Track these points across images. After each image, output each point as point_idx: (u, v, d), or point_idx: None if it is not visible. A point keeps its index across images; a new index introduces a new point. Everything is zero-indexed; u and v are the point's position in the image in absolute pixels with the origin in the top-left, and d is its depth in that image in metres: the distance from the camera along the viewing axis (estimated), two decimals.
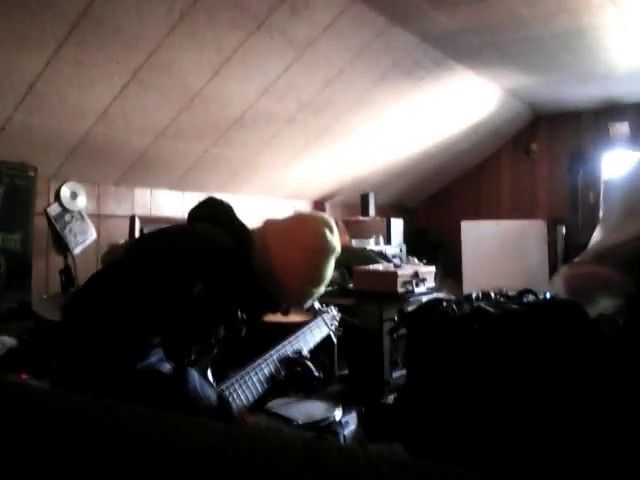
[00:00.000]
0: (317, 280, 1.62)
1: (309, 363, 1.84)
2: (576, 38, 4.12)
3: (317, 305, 2.21)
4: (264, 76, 3.75)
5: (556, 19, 3.77)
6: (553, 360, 1.22)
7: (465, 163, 6.95)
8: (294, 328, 2.05)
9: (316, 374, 1.82)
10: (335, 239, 1.64)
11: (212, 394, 1.48)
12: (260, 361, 1.78)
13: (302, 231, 1.61)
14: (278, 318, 1.88)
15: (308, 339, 2.01)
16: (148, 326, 1.40)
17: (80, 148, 3.49)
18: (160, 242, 1.55)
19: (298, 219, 1.69)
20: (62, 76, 2.96)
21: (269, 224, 1.69)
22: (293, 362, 1.85)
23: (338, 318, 2.32)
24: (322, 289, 1.67)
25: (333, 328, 2.22)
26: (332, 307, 2.32)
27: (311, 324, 2.09)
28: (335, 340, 2.24)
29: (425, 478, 0.41)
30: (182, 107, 3.62)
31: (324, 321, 2.16)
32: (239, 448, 0.43)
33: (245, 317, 1.71)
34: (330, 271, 1.65)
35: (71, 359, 1.39)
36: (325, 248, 1.60)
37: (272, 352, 1.83)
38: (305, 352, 1.92)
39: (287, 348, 1.89)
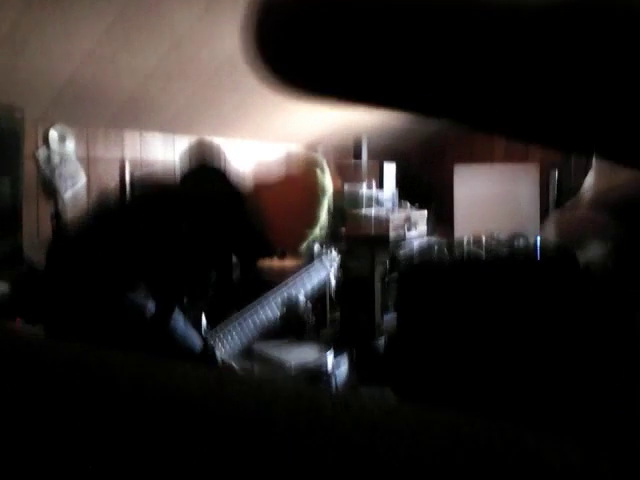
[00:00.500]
0: (310, 221, 1.62)
1: (303, 307, 1.85)
2: None
3: (316, 247, 2.19)
4: None
5: None
6: (543, 304, 1.24)
7: None
8: (293, 271, 2.05)
9: (309, 318, 1.84)
10: (326, 179, 1.63)
11: (197, 339, 1.49)
12: (256, 305, 1.79)
13: (292, 175, 1.60)
14: (275, 262, 1.88)
15: (306, 283, 2.00)
16: (134, 264, 1.40)
17: (67, 90, 3.42)
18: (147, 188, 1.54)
19: (289, 160, 1.67)
20: (45, 15, 2.87)
21: (261, 167, 1.67)
22: (288, 307, 1.86)
23: (337, 260, 2.30)
24: (316, 231, 1.66)
25: (332, 270, 2.21)
26: (331, 249, 2.30)
27: (309, 267, 2.08)
28: (333, 282, 2.23)
29: (419, 424, 0.41)
30: (170, 47, 3.53)
31: (322, 263, 2.14)
32: (232, 396, 0.44)
33: (239, 261, 1.71)
34: (323, 212, 1.64)
35: (60, 296, 1.40)
36: (316, 189, 1.60)
37: (268, 296, 1.83)
38: (301, 297, 1.92)
39: (284, 292, 1.89)
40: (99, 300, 1.36)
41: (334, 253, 2.28)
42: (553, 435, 0.38)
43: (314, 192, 1.60)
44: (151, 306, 1.41)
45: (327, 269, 2.13)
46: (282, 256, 1.74)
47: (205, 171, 1.59)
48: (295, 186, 1.58)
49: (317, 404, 0.41)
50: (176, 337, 1.42)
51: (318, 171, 1.60)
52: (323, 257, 2.16)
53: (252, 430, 0.39)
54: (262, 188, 1.60)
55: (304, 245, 1.71)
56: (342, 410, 0.40)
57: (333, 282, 2.21)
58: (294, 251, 1.80)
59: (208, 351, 1.55)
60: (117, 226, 1.43)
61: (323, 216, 1.65)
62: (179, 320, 1.46)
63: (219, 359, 1.59)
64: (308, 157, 1.68)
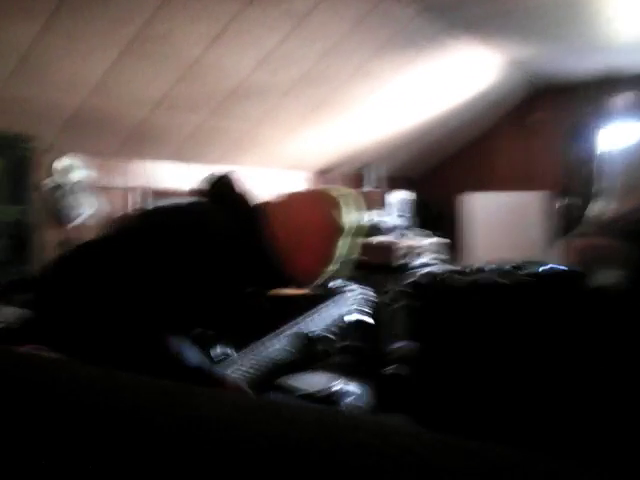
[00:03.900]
0: (327, 260, 1.56)
1: (317, 341, 1.79)
2: (578, 7, 4.06)
3: (339, 282, 2.08)
4: (261, 47, 3.70)
5: None
6: (558, 329, 1.22)
7: (466, 135, 6.90)
8: (313, 302, 1.94)
9: (330, 351, 1.78)
10: (346, 217, 1.57)
11: (196, 357, 1.43)
12: (272, 337, 1.71)
13: (309, 212, 1.55)
14: (294, 291, 1.82)
15: (325, 317, 1.91)
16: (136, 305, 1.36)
17: (76, 120, 3.46)
18: (162, 231, 1.48)
19: (306, 198, 1.62)
20: (55, 47, 2.92)
21: (280, 200, 1.62)
22: (306, 339, 1.79)
23: (363, 296, 2.16)
24: (336, 266, 1.62)
25: (355, 307, 2.09)
26: (355, 285, 2.16)
27: (330, 303, 1.97)
28: (368, 319, 2.09)
29: (437, 450, 0.40)
30: (178, 78, 3.58)
31: (344, 299, 2.03)
32: (249, 419, 0.43)
33: (252, 291, 1.67)
34: (342, 249, 1.59)
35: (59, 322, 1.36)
36: (333, 230, 1.54)
37: (284, 329, 1.76)
38: (317, 330, 1.84)
39: (300, 326, 1.81)
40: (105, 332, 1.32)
41: (358, 289, 2.17)
42: (578, 462, 0.37)
43: (330, 234, 1.55)
44: (192, 356, 1.36)
45: (348, 306, 2.03)
46: (300, 287, 1.70)
47: (222, 200, 1.56)
48: (311, 228, 1.53)
49: (336, 426, 0.40)
50: (175, 353, 1.37)
51: (335, 211, 1.55)
52: (347, 292, 2.06)
53: (271, 454, 0.39)
54: (279, 221, 1.55)
55: (321, 280, 1.65)
56: (362, 433, 0.39)
57: (355, 317, 2.09)
58: (310, 286, 1.75)
59: (206, 367, 1.49)
60: (130, 258, 1.40)
61: (343, 252, 1.61)
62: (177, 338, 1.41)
63: (217, 374, 1.52)
64: (325, 195, 1.61)
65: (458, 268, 1.55)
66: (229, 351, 1.60)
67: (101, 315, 1.32)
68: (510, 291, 1.34)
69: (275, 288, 1.69)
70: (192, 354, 1.42)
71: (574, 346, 1.21)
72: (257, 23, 3.43)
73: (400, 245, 3.49)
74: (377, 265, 3.45)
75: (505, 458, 0.37)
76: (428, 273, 1.63)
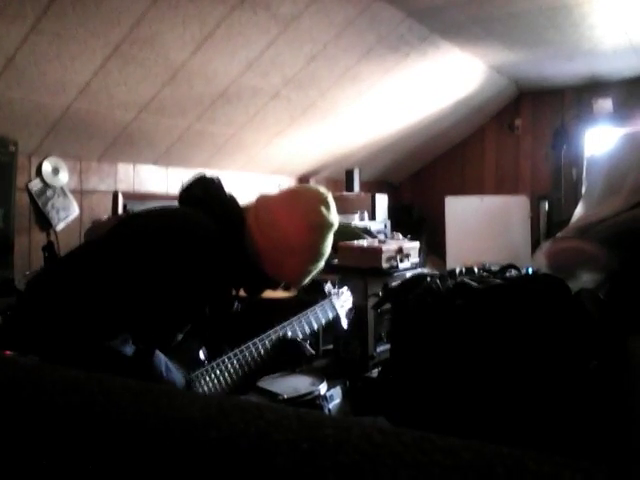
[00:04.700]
0: (314, 258, 1.56)
1: (304, 343, 1.78)
2: (561, 14, 4.11)
3: (328, 286, 2.06)
4: (248, 51, 3.71)
5: None
6: (535, 333, 1.25)
7: (449, 139, 6.95)
8: (299, 307, 1.92)
9: (309, 353, 1.77)
10: (331, 214, 1.57)
11: (179, 380, 1.42)
12: (255, 340, 1.69)
13: (295, 209, 1.54)
14: (280, 294, 1.80)
15: (312, 322, 1.88)
16: (119, 312, 1.35)
17: (61, 123, 3.44)
18: (142, 236, 1.47)
19: (291, 195, 1.61)
20: (42, 50, 2.91)
21: (262, 201, 1.61)
22: (287, 343, 1.77)
23: (351, 300, 2.13)
24: (321, 265, 1.62)
25: (344, 311, 2.06)
26: (345, 288, 2.14)
27: (317, 308, 1.94)
28: (345, 325, 2.07)
29: (417, 448, 0.42)
30: (165, 82, 3.58)
31: (332, 304, 2.00)
32: (233, 420, 0.44)
33: (236, 294, 1.67)
34: (328, 247, 1.58)
35: (35, 334, 1.35)
36: (320, 225, 1.54)
37: (269, 332, 1.74)
38: (301, 334, 1.82)
39: (287, 330, 1.79)
40: (76, 345, 1.31)
41: (347, 294, 2.13)
42: (550, 455, 0.39)
43: (318, 230, 1.54)
44: (129, 350, 1.34)
45: (336, 311, 2.00)
46: (287, 288, 1.68)
47: (204, 204, 1.55)
48: (297, 225, 1.51)
49: (318, 426, 0.41)
50: (155, 380, 1.35)
51: (322, 207, 1.54)
52: (334, 298, 2.03)
53: (254, 454, 0.40)
54: (264, 221, 1.55)
55: (308, 280, 1.65)
56: (343, 432, 0.40)
57: (344, 324, 2.06)
58: (297, 286, 1.74)
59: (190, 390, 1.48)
60: (102, 264, 1.38)
61: (327, 251, 1.60)
62: (160, 361, 1.38)
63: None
64: (310, 192, 1.59)
65: (437, 272, 1.57)
66: (207, 355, 1.59)
67: (79, 323, 1.32)
68: (484, 295, 1.36)
69: (262, 290, 1.69)
70: (176, 378, 1.41)
71: (544, 348, 1.23)
72: (244, 27, 3.44)
73: (383, 249, 3.50)
74: (360, 269, 3.46)
75: (479, 453, 0.39)
76: (405, 277, 1.64)
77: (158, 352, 1.39)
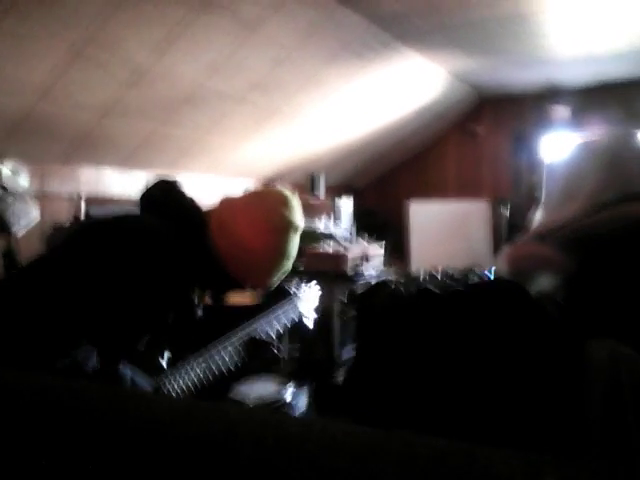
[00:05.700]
0: (278, 259, 1.57)
1: (272, 347, 1.78)
2: (518, 23, 4.21)
3: (294, 287, 2.05)
4: (213, 55, 3.70)
5: (500, 3, 3.85)
6: (496, 338, 1.28)
7: (412, 145, 7.04)
8: (263, 310, 1.92)
9: (279, 357, 1.76)
10: (294, 214, 1.57)
11: (147, 386, 1.41)
12: (220, 344, 1.69)
13: (256, 211, 1.55)
14: (245, 298, 1.79)
15: (275, 323, 1.87)
16: (77, 324, 1.34)
17: (21, 125, 3.39)
18: (98, 248, 1.46)
19: (253, 197, 1.62)
20: (0, 50, 2.86)
21: (225, 204, 1.62)
22: (255, 345, 1.77)
23: (319, 296, 2.12)
24: (288, 266, 1.62)
25: (310, 308, 2.05)
26: (313, 283, 2.12)
27: (280, 308, 1.94)
28: (311, 325, 2.06)
29: (375, 444, 0.44)
30: (128, 85, 3.55)
31: (295, 306, 1.99)
32: (201, 421, 0.46)
33: (200, 301, 1.67)
34: (292, 248, 1.59)
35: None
36: (281, 226, 1.55)
37: (232, 335, 1.74)
38: (265, 336, 1.82)
39: (250, 332, 1.78)
40: (38, 356, 1.29)
41: (315, 288, 2.12)
42: (503, 450, 0.41)
43: (281, 231, 1.55)
44: (93, 360, 1.33)
45: (299, 313, 1.99)
46: (253, 289, 1.68)
47: (165, 207, 1.56)
48: (259, 226, 1.52)
49: (283, 425, 0.43)
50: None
51: (283, 208, 1.55)
52: (297, 299, 2.03)
53: (220, 452, 0.41)
54: (226, 224, 1.55)
55: (274, 280, 1.65)
56: (306, 430, 0.42)
57: (310, 324, 2.06)
58: (264, 287, 1.74)
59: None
60: (59, 272, 1.37)
61: (293, 252, 1.61)
62: (126, 375, 1.38)
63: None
64: (272, 193, 1.60)
65: (398, 277, 1.60)
66: (172, 362, 1.58)
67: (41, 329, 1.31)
68: (442, 299, 1.40)
69: (227, 291, 1.69)
70: (144, 384, 1.40)
71: (504, 351, 1.27)
72: (208, 31, 3.44)
73: (347, 253, 3.54)
74: (325, 273, 3.49)
75: (432, 445, 0.41)
76: (368, 283, 1.67)
77: (124, 362, 1.38)
